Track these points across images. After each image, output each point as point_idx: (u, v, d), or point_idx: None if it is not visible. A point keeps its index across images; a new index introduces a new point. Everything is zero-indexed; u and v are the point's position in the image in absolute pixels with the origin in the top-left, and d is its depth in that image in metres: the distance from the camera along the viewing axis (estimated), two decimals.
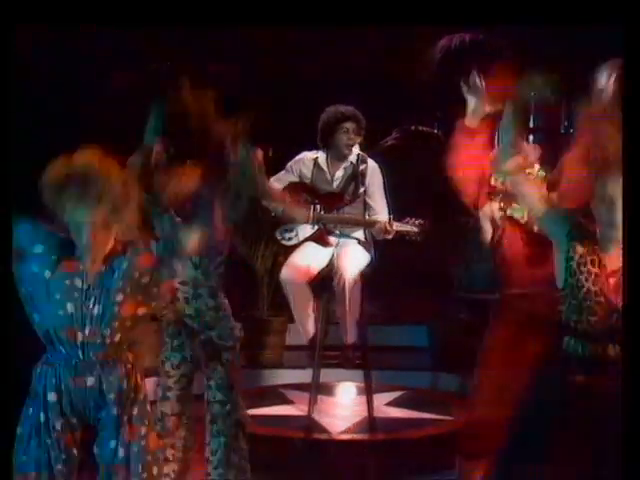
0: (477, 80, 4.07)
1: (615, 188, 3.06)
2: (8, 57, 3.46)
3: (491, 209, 4.22)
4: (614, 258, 3.11)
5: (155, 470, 3.28)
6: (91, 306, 3.16)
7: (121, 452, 3.20)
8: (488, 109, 4.08)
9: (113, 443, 3.21)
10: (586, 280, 3.12)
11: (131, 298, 3.23)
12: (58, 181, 3.15)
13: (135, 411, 3.24)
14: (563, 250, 3.16)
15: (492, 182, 4.18)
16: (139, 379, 3.32)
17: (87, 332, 3.15)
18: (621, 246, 3.11)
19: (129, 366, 3.29)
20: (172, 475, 4.37)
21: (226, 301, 4.40)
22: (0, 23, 3.41)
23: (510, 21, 5.21)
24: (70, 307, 3.14)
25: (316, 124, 5.51)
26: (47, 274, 3.12)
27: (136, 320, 3.30)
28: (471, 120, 4.08)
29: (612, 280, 3.10)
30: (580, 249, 3.13)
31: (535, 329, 4.05)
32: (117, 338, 3.23)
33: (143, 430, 3.27)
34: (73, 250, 3.20)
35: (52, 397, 3.16)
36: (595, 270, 3.10)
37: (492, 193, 4.22)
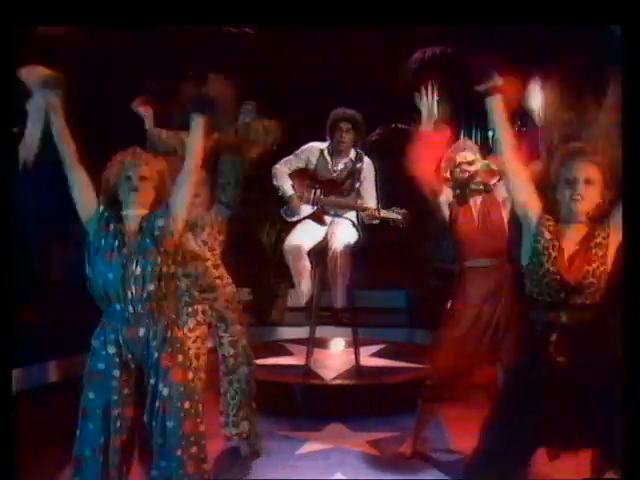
0: (426, 95, 4.35)
1: (579, 171, 3.09)
2: (8, 57, 3.32)
3: (447, 196, 4.43)
4: (571, 241, 3.15)
5: (193, 409, 3.36)
6: (134, 268, 3.29)
7: (165, 391, 3.31)
8: (438, 116, 4.35)
9: (153, 380, 3.31)
10: (547, 261, 3.13)
11: (164, 259, 3.34)
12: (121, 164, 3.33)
13: (180, 358, 3.35)
14: (531, 233, 3.18)
15: (446, 174, 4.44)
16: (180, 331, 3.46)
17: (134, 289, 3.29)
18: (579, 223, 3.14)
19: (172, 317, 3.41)
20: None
21: (225, 272, 4.55)
22: (0, 23, 3.23)
23: (509, 21, 4.86)
24: (118, 271, 3.29)
25: (319, 121, 5.61)
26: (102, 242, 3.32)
27: (170, 277, 3.40)
28: (426, 126, 4.36)
29: (567, 261, 3.13)
30: (547, 235, 3.15)
31: (491, 297, 4.32)
32: (158, 292, 3.34)
33: (189, 375, 3.39)
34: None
35: (111, 349, 3.31)
36: (554, 253, 3.12)
37: (447, 182, 4.44)
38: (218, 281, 4.46)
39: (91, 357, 3.37)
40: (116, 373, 3.30)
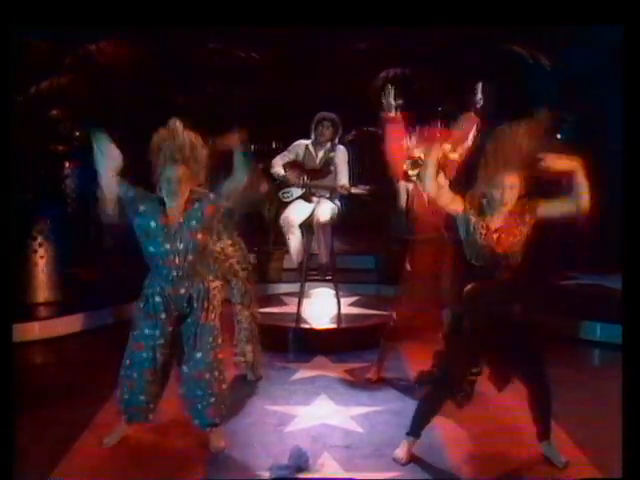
0: (387, 96, 4.85)
1: (504, 180, 3.38)
2: (8, 57, 3.18)
3: (405, 184, 4.84)
4: (494, 221, 3.47)
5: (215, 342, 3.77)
6: (178, 243, 3.59)
7: (198, 330, 3.69)
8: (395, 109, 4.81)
9: (191, 320, 3.70)
10: (479, 237, 3.47)
11: (203, 234, 3.63)
12: (160, 144, 3.49)
13: (210, 307, 3.73)
14: (461, 218, 3.54)
15: (405, 167, 4.79)
16: (211, 287, 3.77)
17: (177, 260, 3.60)
18: (500, 210, 3.41)
19: (207, 278, 3.76)
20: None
21: (240, 239, 4.95)
22: (0, 23, 3.07)
23: (510, 22, 4.84)
24: (166, 244, 3.59)
25: (304, 124, 6.06)
26: (152, 224, 3.63)
27: (206, 247, 3.72)
28: (387, 113, 4.83)
29: (495, 236, 3.45)
30: (473, 218, 3.50)
31: (436, 261, 4.74)
32: (197, 262, 3.65)
33: (213, 316, 3.76)
34: (164, 207, 3.56)
35: (157, 299, 3.68)
36: (483, 231, 3.46)
37: (405, 173, 4.79)
38: (230, 248, 4.90)
39: (142, 301, 3.73)
40: (162, 315, 3.74)
